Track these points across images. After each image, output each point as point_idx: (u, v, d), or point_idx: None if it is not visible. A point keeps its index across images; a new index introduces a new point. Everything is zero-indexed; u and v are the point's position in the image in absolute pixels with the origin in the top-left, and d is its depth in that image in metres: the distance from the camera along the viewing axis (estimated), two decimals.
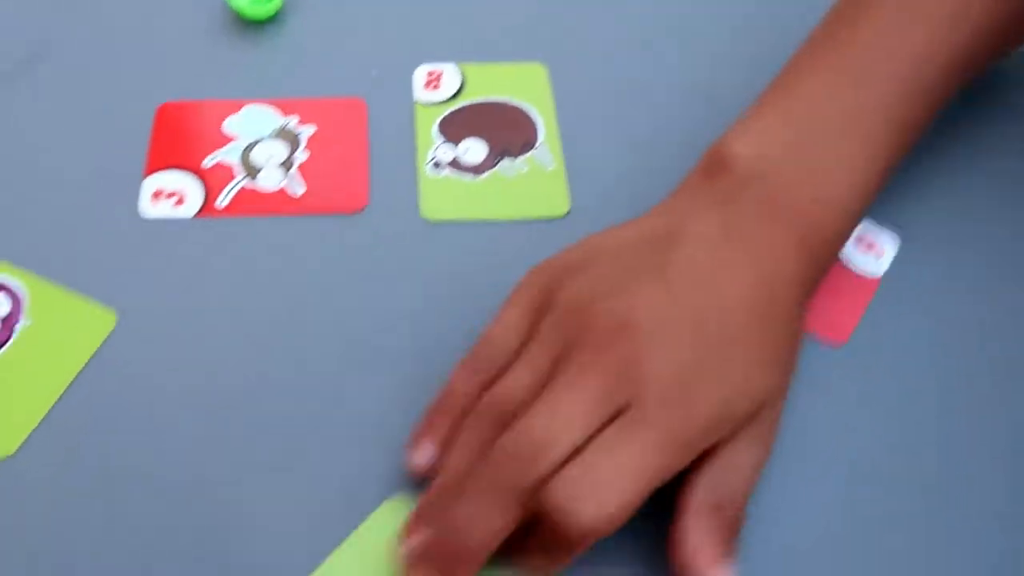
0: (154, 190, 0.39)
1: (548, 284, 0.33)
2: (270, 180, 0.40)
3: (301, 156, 0.41)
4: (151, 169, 0.40)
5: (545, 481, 0.28)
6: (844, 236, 0.35)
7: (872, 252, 0.41)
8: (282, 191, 0.40)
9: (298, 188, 0.40)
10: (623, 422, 0.29)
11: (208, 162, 0.40)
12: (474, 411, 0.31)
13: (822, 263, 0.35)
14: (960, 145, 0.43)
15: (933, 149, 0.42)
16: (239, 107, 0.42)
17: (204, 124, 0.41)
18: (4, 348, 0.34)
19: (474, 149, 0.41)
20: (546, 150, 0.41)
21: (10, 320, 0.34)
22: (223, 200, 0.39)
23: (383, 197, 0.40)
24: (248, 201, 0.39)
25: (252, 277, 0.37)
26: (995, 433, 0.36)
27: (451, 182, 0.40)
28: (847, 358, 0.38)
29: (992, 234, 0.41)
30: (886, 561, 0.33)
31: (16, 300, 0.35)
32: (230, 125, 0.42)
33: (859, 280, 0.40)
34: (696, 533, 0.30)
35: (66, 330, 0.34)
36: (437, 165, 0.40)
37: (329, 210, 0.39)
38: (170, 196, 0.39)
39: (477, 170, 0.41)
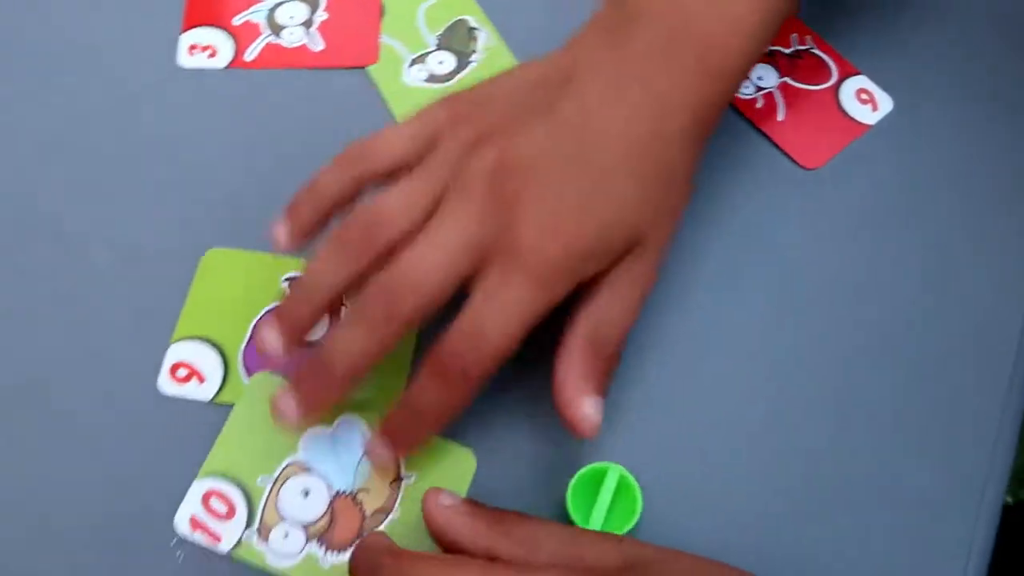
0: (190, 44, 0.44)
1: (445, 118, 0.34)
2: (292, 37, 0.44)
3: (321, 16, 0.45)
4: (187, 26, 0.44)
5: (415, 310, 0.31)
6: (747, 55, 0.35)
7: (868, 104, 0.43)
8: (303, 47, 0.44)
9: (317, 44, 0.44)
10: (501, 266, 0.31)
11: (238, 20, 0.44)
12: (345, 220, 0.33)
13: (722, 83, 0.35)
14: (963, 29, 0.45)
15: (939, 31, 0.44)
16: None
17: None
18: None
19: (446, 61, 0.44)
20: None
21: None
22: (251, 54, 0.44)
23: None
24: (273, 55, 0.44)
25: (275, 121, 0.42)
26: (934, 274, 0.39)
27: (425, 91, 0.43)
28: (812, 183, 0.41)
29: (979, 119, 0.42)
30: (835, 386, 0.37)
31: None
32: None
33: (848, 122, 0.42)
34: (567, 365, 0.32)
35: None
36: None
37: (344, 64, 0.43)
38: (204, 49, 0.43)
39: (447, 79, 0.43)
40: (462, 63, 0.43)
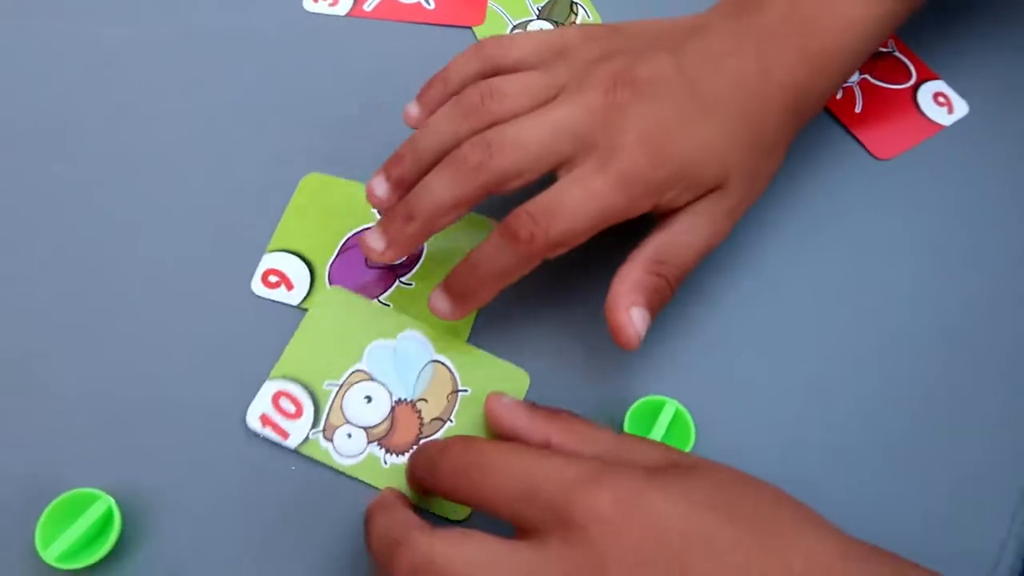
0: None
1: (576, 34, 0.37)
2: None
3: None
4: None
5: (507, 167, 0.33)
6: (852, 54, 0.37)
7: (944, 107, 0.44)
8: (418, 4, 0.47)
9: (430, 3, 0.47)
10: (595, 160, 0.33)
11: None
12: (463, 91, 0.35)
13: (824, 76, 0.37)
14: None
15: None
16: None
17: None
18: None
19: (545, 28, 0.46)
20: None
21: None
22: (369, 5, 0.47)
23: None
24: (389, 8, 0.47)
25: (384, 67, 0.45)
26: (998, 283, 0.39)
27: None
28: (881, 173, 0.42)
29: None
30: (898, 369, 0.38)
31: None
32: None
33: (923, 120, 0.44)
34: (625, 274, 0.34)
35: None
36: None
37: (452, 22, 0.47)
38: None
39: None
40: None
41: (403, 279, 0.39)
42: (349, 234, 0.40)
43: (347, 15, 0.47)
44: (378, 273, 0.39)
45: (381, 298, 0.38)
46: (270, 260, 0.39)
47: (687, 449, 0.34)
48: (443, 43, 0.46)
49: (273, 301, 0.38)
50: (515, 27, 0.47)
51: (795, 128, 0.37)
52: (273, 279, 0.39)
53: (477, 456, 0.29)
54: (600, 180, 0.33)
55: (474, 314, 0.38)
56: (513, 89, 0.35)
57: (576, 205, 0.33)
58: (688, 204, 0.34)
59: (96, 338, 0.38)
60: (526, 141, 0.33)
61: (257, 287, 0.39)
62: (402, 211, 0.35)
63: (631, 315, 0.33)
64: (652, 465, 0.29)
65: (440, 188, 0.34)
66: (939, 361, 0.38)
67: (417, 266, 0.39)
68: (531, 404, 0.33)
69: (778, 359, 0.38)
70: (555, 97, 0.34)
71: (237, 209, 0.41)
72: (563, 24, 0.47)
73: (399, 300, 0.38)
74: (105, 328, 0.38)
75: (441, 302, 0.35)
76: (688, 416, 0.34)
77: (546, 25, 0.47)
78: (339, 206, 0.41)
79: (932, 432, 0.36)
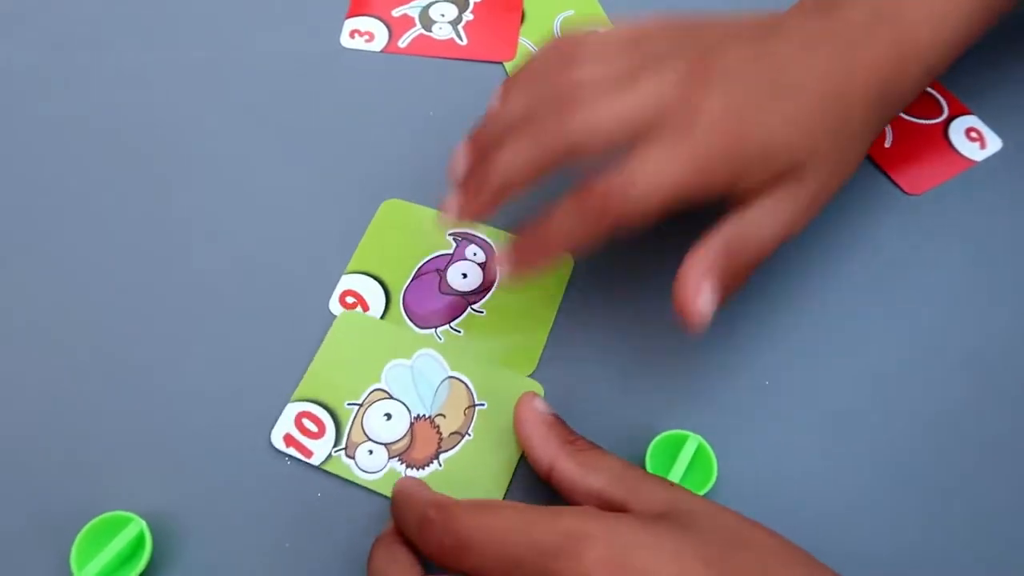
0: (352, 29, 0.49)
1: (657, 26, 0.35)
2: (441, 32, 0.49)
3: (467, 16, 0.49)
4: (351, 14, 0.49)
5: (584, 132, 0.32)
6: (944, 48, 0.37)
7: (976, 143, 0.44)
8: (451, 40, 0.48)
9: (462, 40, 0.48)
10: (672, 136, 0.32)
11: (396, 12, 0.49)
12: (541, 62, 0.35)
13: (913, 69, 0.36)
14: None
15: None
16: None
17: None
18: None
19: None
20: None
21: None
22: (404, 41, 0.48)
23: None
24: (423, 44, 0.48)
25: (420, 100, 0.46)
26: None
27: None
28: (910, 208, 0.42)
29: None
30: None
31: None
32: None
33: (954, 156, 0.43)
34: (698, 257, 0.33)
35: None
36: None
37: (484, 58, 0.47)
38: (363, 34, 0.48)
39: None
40: None
41: (474, 307, 0.39)
42: (424, 260, 0.41)
43: (382, 51, 0.48)
44: (451, 300, 0.40)
45: (453, 324, 0.39)
46: (348, 281, 0.40)
47: (709, 484, 0.34)
48: (475, 77, 0.47)
49: None
50: None
51: (881, 120, 0.36)
52: (350, 300, 0.39)
53: (455, 536, 0.28)
54: (676, 155, 0.32)
55: (542, 344, 0.38)
56: (592, 64, 0.34)
57: (649, 177, 0.32)
58: (765, 190, 0.33)
59: (149, 362, 0.38)
60: (603, 111, 0.33)
61: (335, 307, 0.39)
62: (478, 175, 0.35)
63: (701, 297, 0.32)
64: (651, 509, 0.28)
65: (512, 153, 0.34)
66: (969, 397, 0.37)
67: (488, 295, 0.40)
68: (553, 420, 0.33)
69: (804, 394, 0.37)
70: (634, 77, 0.33)
71: (320, 233, 0.41)
72: None
73: (471, 327, 0.39)
74: (162, 350, 0.39)
75: (504, 263, 0.35)
76: (710, 451, 0.34)
77: None
78: (415, 231, 0.41)
79: (961, 468, 0.36)
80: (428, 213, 0.42)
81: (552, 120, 0.33)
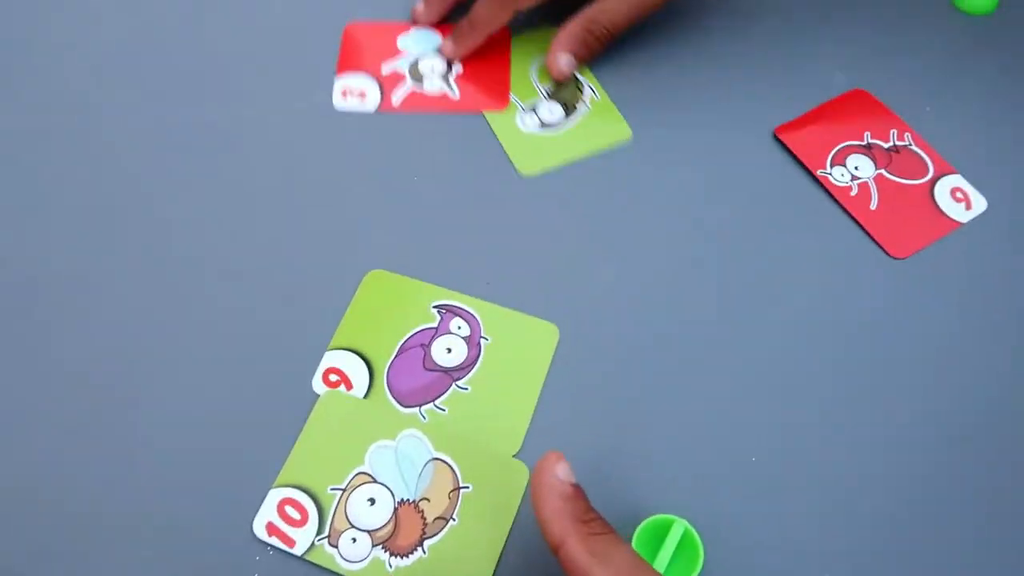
0: (342, 89, 0.48)
1: None
2: (433, 86, 0.48)
3: (457, 68, 0.49)
4: (341, 70, 0.49)
5: None
6: None
7: (962, 203, 0.43)
8: (444, 95, 0.48)
9: (454, 93, 0.48)
10: None
11: (386, 70, 0.49)
12: None
13: None
14: None
15: None
16: (409, 27, 0.51)
17: (382, 39, 0.50)
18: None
19: (555, 111, 0.48)
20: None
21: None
22: (397, 99, 0.48)
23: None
24: (416, 100, 0.48)
25: (404, 161, 0.45)
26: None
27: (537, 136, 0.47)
28: (897, 272, 0.42)
29: None
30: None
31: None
32: (402, 41, 0.50)
33: (940, 218, 0.43)
34: (563, 31, 0.46)
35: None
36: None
37: (479, 109, 0.47)
38: (356, 94, 0.48)
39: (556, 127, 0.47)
40: (569, 112, 0.47)
41: (459, 383, 0.39)
42: (408, 334, 0.40)
43: (376, 111, 0.48)
44: (435, 376, 0.39)
45: (437, 403, 0.38)
46: (331, 359, 0.39)
47: (696, 571, 0.33)
48: (470, 128, 0.47)
49: None
50: (525, 110, 0.47)
51: None
52: (334, 378, 0.39)
53: None
54: None
55: (527, 423, 0.38)
56: None
57: None
58: None
59: (128, 446, 0.38)
60: None
61: (318, 386, 0.39)
62: (465, 24, 0.48)
63: (561, 59, 0.47)
64: None
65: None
66: (959, 466, 0.37)
67: (473, 371, 0.39)
68: (572, 492, 0.32)
69: (791, 469, 0.37)
70: None
71: (302, 303, 0.41)
72: (571, 103, 0.47)
73: (455, 405, 0.38)
74: (148, 430, 0.38)
75: (447, 48, 0.49)
76: (696, 537, 0.34)
77: (556, 106, 0.47)
78: (399, 305, 0.41)
79: (954, 541, 0.35)
80: (412, 284, 0.42)
81: None
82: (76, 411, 0.38)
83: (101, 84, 0.48)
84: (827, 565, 0.35)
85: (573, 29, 0.46)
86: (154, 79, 0.48)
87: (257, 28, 0.51)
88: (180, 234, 0.43)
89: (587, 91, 0.48)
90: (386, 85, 0.48)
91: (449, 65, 0.49)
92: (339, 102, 0.48)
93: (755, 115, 0.46)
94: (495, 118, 0.47)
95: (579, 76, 0.48)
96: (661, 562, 0.33)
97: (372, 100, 0.48)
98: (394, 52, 0.50)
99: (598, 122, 0.47)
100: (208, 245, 0.43)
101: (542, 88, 0.48)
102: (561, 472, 0.33)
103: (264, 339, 0.40)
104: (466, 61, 0.49)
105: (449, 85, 0.48)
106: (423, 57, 0.50)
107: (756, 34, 0.50)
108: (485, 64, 0.49)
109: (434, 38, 0.51)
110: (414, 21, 0.51)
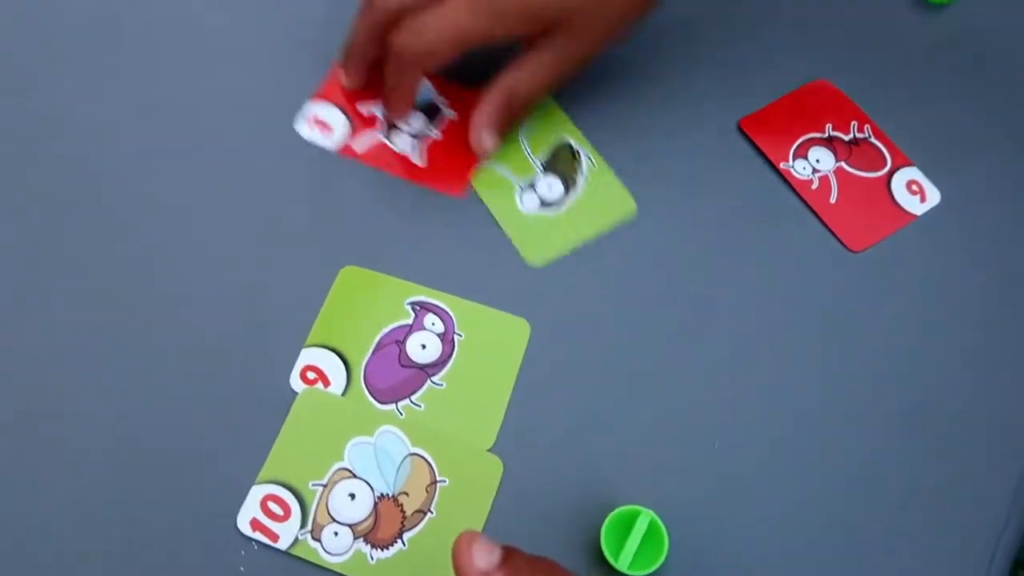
0: (313, 116, 0.46)
1: None
2: (402, 143, 0.46)
3: (433, 134, 0.46)
4: (317, 97, 0.47)
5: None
6: None
7: (917, 195, 0.45)
8: (407, 157, 0.46)
9: (420, 160, 0.46)
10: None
11: (362, 107, 0.47)
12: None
13: None
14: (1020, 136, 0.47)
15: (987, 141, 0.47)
16: None
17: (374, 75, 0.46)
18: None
19: (554, 186, 0.45)
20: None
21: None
22: (360, 145, 0.46)
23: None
24: (378, 153, 0.46)
25: (367, 215, 0.44)
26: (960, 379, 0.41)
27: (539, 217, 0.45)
28: (854, 265, 0.43)
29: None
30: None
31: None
32: None
33: (896, 211, 0.45)
34: (482, 105, 0.43)
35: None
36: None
37: (435, 188, 0.45)
38: (323, 125, 0.46)
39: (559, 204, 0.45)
40: (568, 186, 0.45)
41: (434, 379, 0.40)
42: (384, 331, 0.41)
43: (336, 151, 0.46)
44: (411, 373, 0.40)
45: (413, 399, 0.40)
46: (308, 356, 0.40)
47: (660, 559, 0.35)
48: (425, 202, 0.45)
49: None
50: (523, 187, 0.45)
51: None
52: (311, 375, 0.40)
53: None
54: (456, 9, 0.40)
55: (501, 418, 0.39)
56: None
57: (437, 27, 0.40)
58: (537, 41, 0.42)
59: (113, 446, 0.39)
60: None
61: (296, 383, 0.40)
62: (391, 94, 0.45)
63: (483, 138, 0.44)
64: None
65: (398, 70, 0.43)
66: (908, 448, 0.39)
67: (447, 367, 0.41)
68: (507, 553, 0.30)
69: (754, 455, 0.39)
70: None
71: (277, 301, 0.42)
72: (570, 175, 0.45)
73: (431, 401, 0.40)
74: (132, 427, 0.39)
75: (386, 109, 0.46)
76: (662, 527, 0.36)
77: (555, 180, 0.45)
78: (374, 301, 0.42)
79: (911, 524, 0.38)
80: (387, 281, 0.42)
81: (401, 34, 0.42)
82: (60, 411, 0.39)
83: (73, 94, 0.48)
84: (787, 550, 0.37)
85: (493, 104, 0.43)
86: (127, 69, 0.48)
87: (254, 32, 0.50)
88: (156, 234, 0.43)
89: (584, 160, 0.46)
90: (357, 124, 0.46)
91: (431, 120, 0.47)
92: (303, 130, 0.46)
93: (719, 106, 0.47)
94: (492, 198, 0.45)
95: (572, 143, 0.46)
96: (628, 550, 0.35)
97: (336, 137, 0.46)
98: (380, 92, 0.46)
99: (600, 199, 0.45)
100: (184, 245, 0.43)
101: (536, 161, 0.46)
102: (480, 559, 0.30)
103: (241, 337, 0.41)
104: (446, 131, 0.46)
105: (417, 150, 0.46)
106: None
107: (723, 24, 0.50)
108: (462, 143, 0.45)
109: (428, 93, 0.47)
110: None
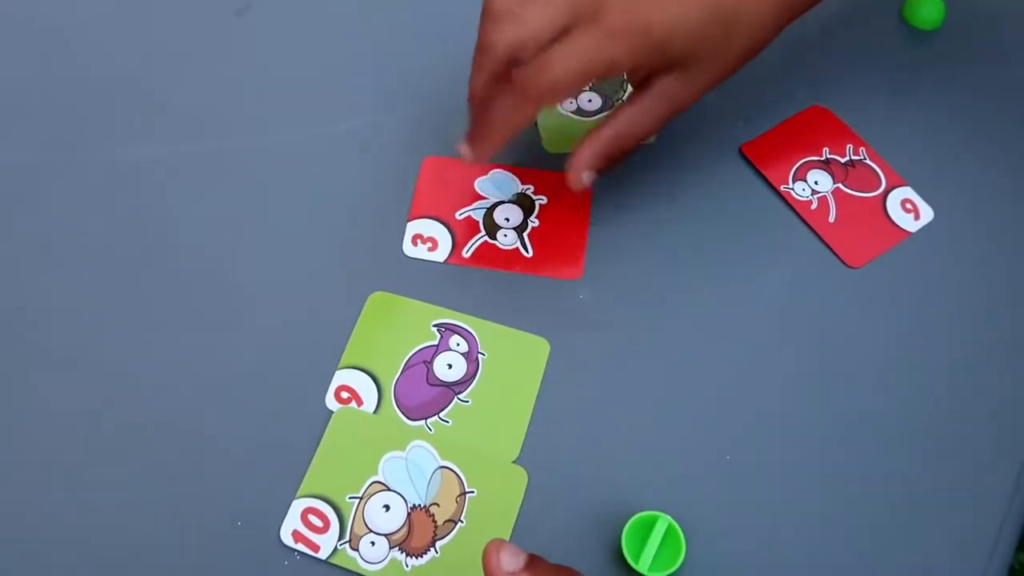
0: (414, 234, 0.47)
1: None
2: (507, 239, 0.47)
3: (532, 222, 0.48)
4: (414, 215, 0.48)
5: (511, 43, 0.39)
6: None
7: (911, 213, 0.48)
8: (516, 250, 0.47)
9: (528, 250, 0.47)
10: (582, 27, 0.39)
11: (460, 215, 0.48)
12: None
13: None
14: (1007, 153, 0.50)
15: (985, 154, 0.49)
16: (488, 170, 0.49)
17: (459, 179, 0.49)
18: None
19: (594, 100, 0.51)
20: None
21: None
22: (468, 251, 0.47)
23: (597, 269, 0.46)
24: (487, 254, 0.47)
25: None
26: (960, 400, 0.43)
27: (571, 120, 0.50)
28: (853, 281, 0.46)
29: (1014, 236, 0.47)
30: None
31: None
32: (480, 184, 0.49)
33: (892, 228, 0.47)
34: (588, 142, 0.42)
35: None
36: None
37: (550, 275, 0.46)
38: (426, 241, 0.47)
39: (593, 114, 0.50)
40: (607, 104, 0.51)
41: (460, 396, 0.43)
42: (411, 352, 0.44)
43: (445, 261, 0.47)
44: (438, 391, 0.43)
45: (441, 415, 0.42)
46: (342, 377, 0.43)
47: (678, 562, 0.38)
48: (542, 294, 0.46)
49: None
50: None
51: (781, 16, 0.42)
52: (345, 395, 0.43)
53: None
54: (584, 38, 0.39)
55: (524, 430, 0.42)
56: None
57: (564, 58, 0.39)
58: (655, 79, 0.41)
59: (155, 465, 0.42)
60: (534, 23, 0.39)
61: (331, 403, 0.42)
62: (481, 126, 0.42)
63: (583, 177, 0.43)
64: None
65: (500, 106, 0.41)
66: (908, 457, 0.41)
67: (472, 385, 0.43)
68: (531, 559, 0.33)
69: (762, 467, 0.41)
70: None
71: (311, 327, 0.45)
72: (612, 96, 0.50)
73: (458, 417, 0.42)
74: (170, 450, 0.42)
75: (464, 150, 0.43)
76: (679, 532, 0.38)
77: (596, 97, 0.51)
78: (402, 324, 0.45)
79: (909, 524, 0.40)
80: (413, 305, 0.45)
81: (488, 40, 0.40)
82: (115, 429, 0.42)
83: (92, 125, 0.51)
84: (798, 552, 0.39)
85: (601, 143, 0.42)
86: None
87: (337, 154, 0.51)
88: (207, 269, 0.47)
89: (629, 87, 0.51)
90: (459, 233, 0.47)
91: (525, 217, 0.48)
92: (409, 249, 0.47)
93: (722, 134, 0.50)
94: None
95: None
96: (647, 555, 0.38)
97: (443, 250, 0.47)
98: (472, 196, 0.48)
99: None
100: (230, 279, 0.46)
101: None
102: (506, 558, 0.33)
103: (280, 362, 0.44)
104: (542, 215, 0.47)
105: (523, 241, 0.47)
106: (500, 205, 0.48)
107: None
108: (565, 221, 0.47)
109: (514, 183, 0.49)
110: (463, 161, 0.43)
